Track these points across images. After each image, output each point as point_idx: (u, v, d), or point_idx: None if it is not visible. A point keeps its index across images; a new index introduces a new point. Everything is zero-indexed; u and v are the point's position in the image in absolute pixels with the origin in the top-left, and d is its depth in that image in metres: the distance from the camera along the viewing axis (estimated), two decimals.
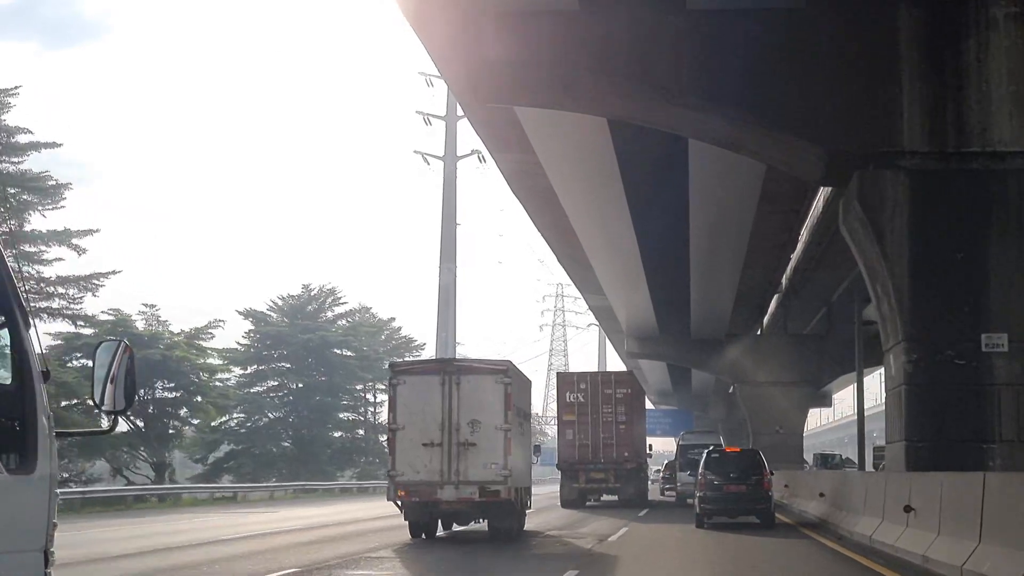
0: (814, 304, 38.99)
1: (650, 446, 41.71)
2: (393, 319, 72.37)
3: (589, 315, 72.44)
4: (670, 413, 79.84)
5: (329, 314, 66.07)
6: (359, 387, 66.24)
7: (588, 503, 35.21)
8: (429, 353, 63.66)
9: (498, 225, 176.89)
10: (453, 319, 61.18)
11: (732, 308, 38.46)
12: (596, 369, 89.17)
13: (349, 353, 64.43)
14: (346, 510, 33.65)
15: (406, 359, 56.51)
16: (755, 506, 22.47)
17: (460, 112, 51.29)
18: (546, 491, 39.48)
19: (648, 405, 59.11)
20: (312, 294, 65.60)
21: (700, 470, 23.27)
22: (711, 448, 26.64)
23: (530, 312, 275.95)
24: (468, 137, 61.91)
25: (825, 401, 59.15)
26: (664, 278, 34.37)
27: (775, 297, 39.32)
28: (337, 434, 65.39)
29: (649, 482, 42.49)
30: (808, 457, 49.71)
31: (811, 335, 42.97)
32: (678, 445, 40.23)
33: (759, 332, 43.96)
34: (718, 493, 22.56)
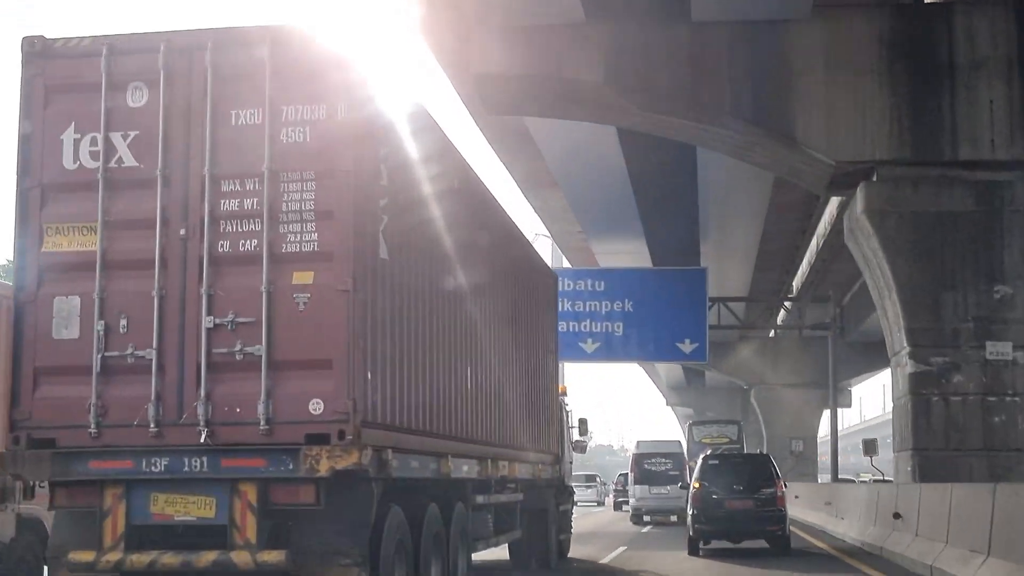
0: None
1: (565, 396, 17.38)
2: None
3: None
4: (642, 277, 29.48)
5: None
6: None
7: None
8: None
9: None
10: None
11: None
12: None
13: None
14: None
15: None
16: (765, 527, 17.87)
17: None
18: None
19: (581, 261, 31.24)
20: None
21: (694, 479, 18.71)
22: (708, 453, 20.46)
23: None
24: None
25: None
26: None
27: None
28: None
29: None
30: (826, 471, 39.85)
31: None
32: (632, 455, 32.28)
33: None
34: (718, 510, 17.89)
